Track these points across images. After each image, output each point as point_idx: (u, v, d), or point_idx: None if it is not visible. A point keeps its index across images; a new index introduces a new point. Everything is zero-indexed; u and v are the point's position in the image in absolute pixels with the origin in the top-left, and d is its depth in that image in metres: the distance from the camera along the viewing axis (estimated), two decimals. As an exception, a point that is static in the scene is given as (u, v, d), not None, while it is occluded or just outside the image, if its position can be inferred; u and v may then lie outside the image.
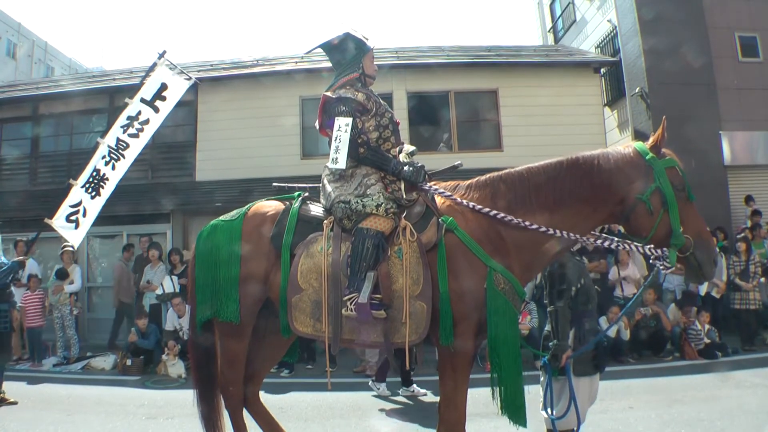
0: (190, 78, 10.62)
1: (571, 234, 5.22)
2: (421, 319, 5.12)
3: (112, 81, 21.71)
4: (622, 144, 5.52)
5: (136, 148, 10.16)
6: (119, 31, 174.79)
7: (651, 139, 5.27)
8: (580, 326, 6.29)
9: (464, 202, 5.40)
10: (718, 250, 13.96)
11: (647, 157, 5.12)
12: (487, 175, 5.60)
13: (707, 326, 13.37)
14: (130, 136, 10.06)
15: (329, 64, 6.14)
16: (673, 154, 5.20)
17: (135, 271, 16.44)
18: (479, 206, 5.32)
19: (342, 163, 5.49)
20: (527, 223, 5.18)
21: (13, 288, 11.09)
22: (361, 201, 5.42)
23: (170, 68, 10.36)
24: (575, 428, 6.30)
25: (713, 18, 20.02)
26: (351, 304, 5.15)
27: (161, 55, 10.26)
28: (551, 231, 5.17)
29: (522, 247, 5.26)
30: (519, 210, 5.27)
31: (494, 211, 5.25)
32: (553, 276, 6.30)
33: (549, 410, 6.28)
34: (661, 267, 5.14)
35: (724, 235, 15.71)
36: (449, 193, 5.53)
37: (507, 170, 5.55)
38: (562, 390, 6.31)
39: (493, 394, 5.13)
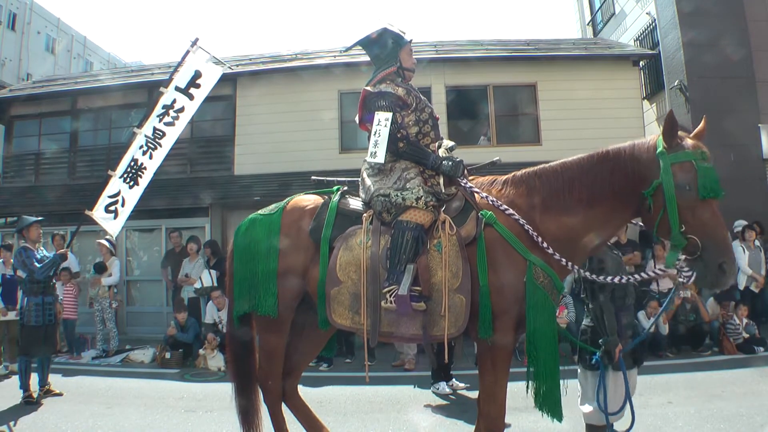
0: (222, 64, 10.63)
1: (574, 267, 5.31)
2: (460, 313, 5.15)
3: (151, 75, 21.74)
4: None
5: (172, 136, 10.20)
6: (158, 25, 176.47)
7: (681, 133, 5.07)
8: (618, 321, 6.26)
9: (497, 203, 5.37)
10: (747, 248, 13.96)
11: (657, 151, 4.90)
12: (523, 171, 5.62)
13: (746, 320, 13.29)
14: (166, 124, 10.10)
15: (368, 58, 6.18)
16: (700, 146, 4.89)
17: (170, 265, 16.60)
18: (510, 210, 5.29)
19: (381, 158, 5.53)
20: (545, 245, 5.16)
21: (55, 281, 11.16)
22: (401, 194, 5.47)
23: (203, 55, 10.38)
24: (630, 425, 6.28)
25: (753, 10, 19.74)
26: (390, 296, 5.20)
27: (194, 43, 10.26)
28: (564, 261, 5.20)
29: (560, 241, 5.24)
30: (554, 206, 5.29)
31: (522, 220, 5.21)
32: (592, 271, 6.26)
33: (601, 404, 6.26)
34: (682, 279, 4.93)
35: (760, 230, 15.47)
36: (485, 194, 5.50)
37: (542, 165, 5.55)
38: (609, 385, 6.30)
39: (529, 388, 5.17)
